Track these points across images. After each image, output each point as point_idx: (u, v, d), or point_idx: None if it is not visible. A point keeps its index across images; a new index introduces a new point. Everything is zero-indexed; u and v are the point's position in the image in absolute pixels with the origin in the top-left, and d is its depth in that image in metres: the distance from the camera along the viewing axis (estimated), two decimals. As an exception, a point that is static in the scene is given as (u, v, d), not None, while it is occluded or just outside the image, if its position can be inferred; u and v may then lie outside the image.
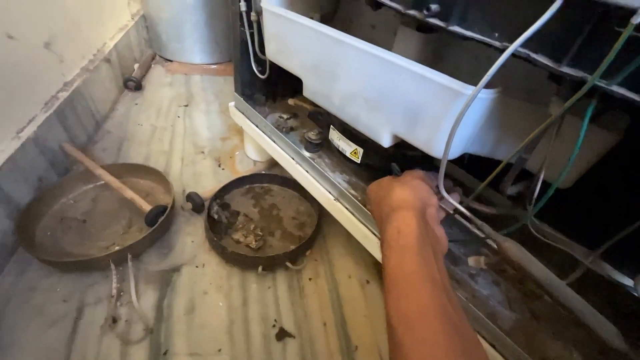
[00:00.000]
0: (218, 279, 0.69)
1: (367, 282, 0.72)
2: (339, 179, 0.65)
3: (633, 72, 0.28)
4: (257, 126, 0.82)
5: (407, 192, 0.42)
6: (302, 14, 0.56)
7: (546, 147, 0.39)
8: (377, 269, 0.73)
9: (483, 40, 0.36)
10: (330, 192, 0.66)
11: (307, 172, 0.71)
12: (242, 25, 0.71)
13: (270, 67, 0.73)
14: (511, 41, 0.31)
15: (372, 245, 0.60)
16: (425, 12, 0.39)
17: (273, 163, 0.96)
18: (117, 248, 0.69)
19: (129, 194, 0.75)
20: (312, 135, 0.71)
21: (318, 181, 0.68)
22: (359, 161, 0.62)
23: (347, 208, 0.63)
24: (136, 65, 1.33)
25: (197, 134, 1.07)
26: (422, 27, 0.55)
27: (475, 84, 0.35)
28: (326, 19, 0.76)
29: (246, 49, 0.74)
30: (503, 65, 0.32)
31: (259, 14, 0.66)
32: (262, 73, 0.75)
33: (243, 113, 0.86)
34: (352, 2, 0.78)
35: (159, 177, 0.83)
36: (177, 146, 1.01)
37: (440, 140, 0.40)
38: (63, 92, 0.87)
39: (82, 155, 0.83)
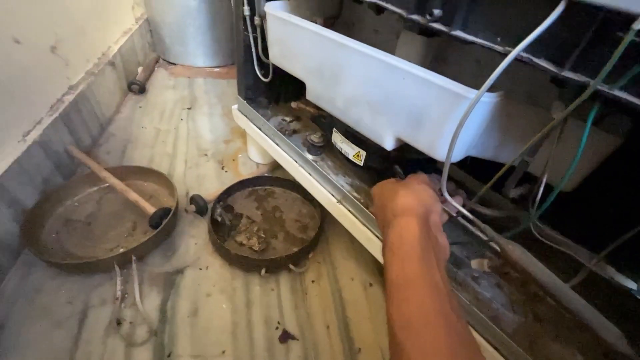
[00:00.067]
0: (221, 281, 0.69)
1: (370, 284, 0.72)
2: (342, 182, 0.66)
3: (635, 77, 0.28)
4: (260, 129, 0.83)
5: (410, 197, 0.41)
6: (305, 18, 0.57)
7: (549, 150, 0.39)
8: (379, 272, 0.73)
9: (485, 45, 0.37)
10: (333, 195, 0.66)
11: (309, 174, 0.71)
12: (246, 29, 0.71)
13: (273, 70, 0.73)
14: (513, 46, 0.32)
15: (374, 247, 0.60)
16: (428, 17, 0.40)
17: (276, 166, 0.96)
18: (121, 250, 0.69)
19: (133, 196, 0.76)
20: (315, 138, 0.71)
21: (321, 184, 0.68)
22: (361, 164, 0.62)
23: (349, 210, 0.63)
24: (140, 69, 1.34)
25: (200, 136, 1.07)
26: (425, 31, 0.56)
27: (478, 88, 0.35)
28: (329, 24, 0.77)
29: (249, 52, 0.75)
30: (505, 69, 0.32)
31: (263, 18, 0.67)
32: (265, 76, 0.76)
33: (246, 116, 0.86)
34: (354, 6, 0.79)
35: (163, 179, 0.84)
36: (181, 149, 1.02)
37: (443, 143, 0.41)
38: (68, 95, 0.88)
39: (87, 157, 0.83)
